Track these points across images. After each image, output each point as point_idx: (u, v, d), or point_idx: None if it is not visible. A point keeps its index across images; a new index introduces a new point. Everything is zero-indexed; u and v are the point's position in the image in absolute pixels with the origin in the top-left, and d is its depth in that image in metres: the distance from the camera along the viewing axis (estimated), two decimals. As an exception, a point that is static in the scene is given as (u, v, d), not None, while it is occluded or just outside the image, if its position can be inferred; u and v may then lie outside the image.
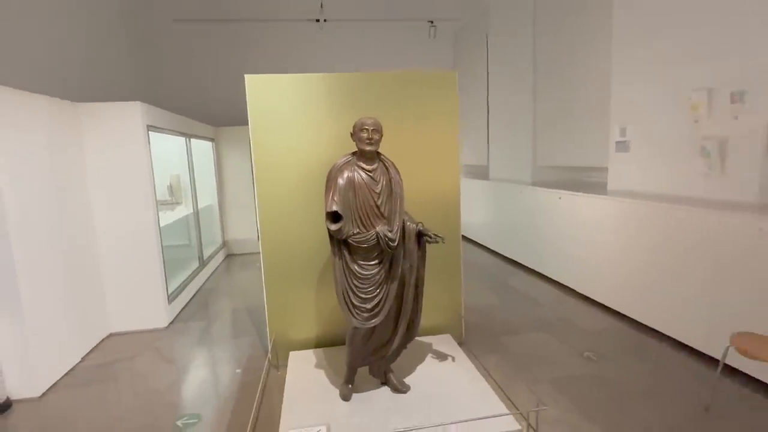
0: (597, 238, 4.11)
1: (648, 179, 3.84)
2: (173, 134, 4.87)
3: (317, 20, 6.85)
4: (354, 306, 2.39)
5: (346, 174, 2.35)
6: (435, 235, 2.43)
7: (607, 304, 4.04)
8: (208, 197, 6.67)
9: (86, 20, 5.06)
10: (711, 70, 3.23)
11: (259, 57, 7.47)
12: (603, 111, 4.50)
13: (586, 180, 5.27)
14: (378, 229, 2.34)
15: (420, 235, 2.48)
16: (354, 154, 2.44)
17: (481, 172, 7.75)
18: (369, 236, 2.34)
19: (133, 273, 3.96)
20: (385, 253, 2.38)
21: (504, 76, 6.60)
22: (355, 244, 2.36)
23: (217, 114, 7.22)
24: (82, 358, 3.51)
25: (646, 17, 3.80)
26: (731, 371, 2.81)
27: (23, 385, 2.93)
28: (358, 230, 2.35)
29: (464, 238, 7.92)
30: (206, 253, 5.98)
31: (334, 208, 2.29)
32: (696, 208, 3.08)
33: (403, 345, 2.61)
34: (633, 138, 4.01)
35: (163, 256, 4.13)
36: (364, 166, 2.39)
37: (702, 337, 3.05)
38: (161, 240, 4.11)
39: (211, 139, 6.71)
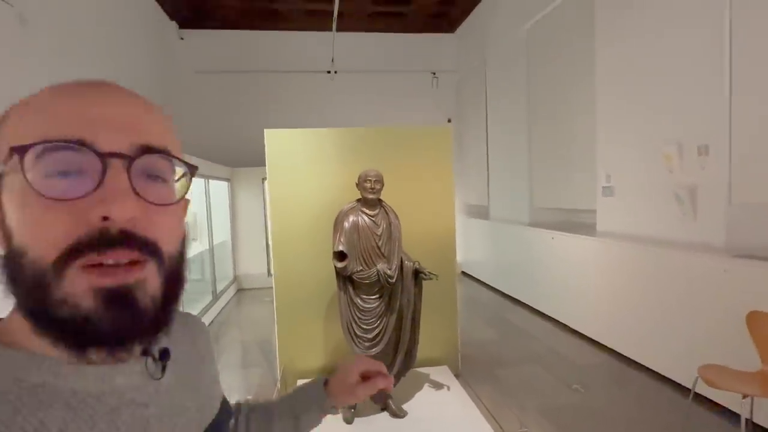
0: (586, 276, 4.39)
1: (631, 222, 4.15)
2: (196, 177, 5.29)
3: (328, 72, 7.43)
4: (357, 336, 2.68)
5: (351, 218, 2.70)
6: (429, 272, 2.74)
7: (595, 338, 4.26)
8: (221, 234, 7.05)
9: (118, 72, 5.62)
10: (680, 125, 3.59)
11: (274, 105, 8.03)
12: (591, 157, 4.86)
13: (578, 221, 5.58)
14: (378, 266, 2.66)
15: (416, 273, 2.79)
16: (359, 200, 2.80)
17: (481, 212, 8.09)
18: (371, 273, 2.66)
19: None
20: (384, 288, 2.70)
21: (501, 123, 7.06)
22: (358, 280, 2.68)
23: (233, 156, 7.69)
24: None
25: (624, 75, 4.22)
26: (702, 400, 3.02)
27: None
28: (361, 268, 2.68)
29: (465, 274, 8.17)
30: (218, 288, 6.29)
31: (340, 248, 2.62)
32: (671, 250, 3.38)
33: (401, 373, 2.87)
34: (617, 184, 4.35)
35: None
36: (367, 211, 2.74)
37: (677, 368, 3.28)
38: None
39: (227, 180, 7.16)
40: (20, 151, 0.39)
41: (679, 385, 3.28)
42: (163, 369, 0.50)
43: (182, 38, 7.91)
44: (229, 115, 7.95)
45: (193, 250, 6.06)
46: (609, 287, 4.05)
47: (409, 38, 8.49)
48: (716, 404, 2.96)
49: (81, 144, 0.40)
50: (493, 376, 3.68)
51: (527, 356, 4.09)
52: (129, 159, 0.42)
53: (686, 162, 3.55)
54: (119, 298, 0.41)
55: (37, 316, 0.41)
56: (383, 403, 2.89)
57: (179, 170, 0.48)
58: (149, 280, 0.43)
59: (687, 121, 3.53)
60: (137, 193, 0.42)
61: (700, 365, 2.64)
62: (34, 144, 0.39)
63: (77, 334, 0.40)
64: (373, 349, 2.67)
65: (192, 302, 5.47)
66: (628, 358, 3.82)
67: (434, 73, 7.53)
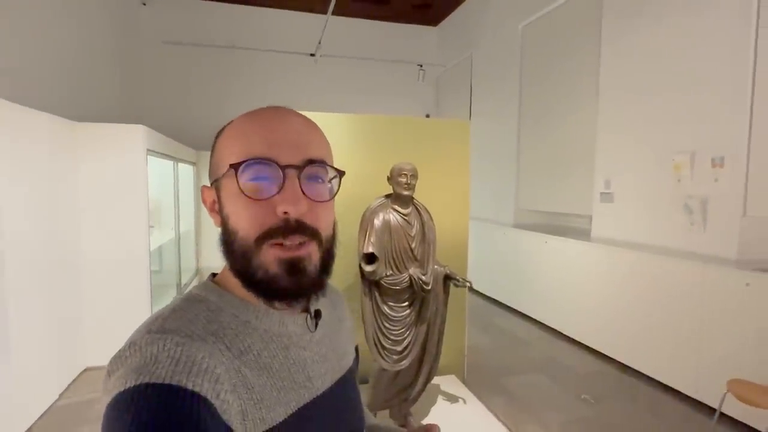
0: (584, 283, 4.33)
1: (632, 229, 4.13)
2: (166, 158, 4.72)
3: (312, 54, 6.97)
4: (384, 348, 2.39)
5: (381, 216, 2.39)
6: (463, 279, 2.50)
7: (593, 346, 4.20)
8: (185, 222, 6.43)
9: (76, 36, 4.89)
10: (693, 135, 3.58)
11: (247, 84, 7.47)
12: (587, 161, 4.82)
13: (567, 225, 5.56)
14: (411, 271, 2.38)
15: (446, 279, 2.54)
16: (388, 196, 2.50)
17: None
18: (402, 279, 2.37)
19: (117, 301, 3.72)
20: (416, 295, 2.42)
21: (487, 120, 6.93)
22: (387, 285, 2.38)
23: (198, 137, 7.05)
24: (59, 396, 3.23)
25: (632, 77, 4.16)
26: (722, 417, 2.99)
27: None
28: (391, 272, 2.38)
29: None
30: (183, 281, 5.72)
31: (370, 249, 2.31)
32: (686, 261, 3.34)
33: (421, 391, 2.61)
34: (617, 190, 4.32)
35: (152, 285, 3.93)
36: (399, 209, 2.44)
37: (692, 383, 3.24)
38: (150, 268, 3.92)
39: (193, 163, 6.54)
40: (236, 166, 0.59)
41: (691, 398, 3.24)
42: (316, 325, 0.69)
43: (144, 3, 7.13)
44: (198, 93, 7.28)
45: (154, 239, 5.44)
46: (611, 295, 3.99)
47: (391, 27, 8.20)
48: (741, 423, 2.88)
49: (269, 160, 0.59)
50: (500, 386, 3.52)
51: (527, 364, 3.97)
52: (299, 169, 0.60)
53: (698, 172, 3.54)
54: (294, 266, 0.60)
55: (243, 275, 0.61)
56: (403, 419, 2.62)
57: (331, 173, 0.65)
58: (312, 255, 0.62)
59: (701, 131, 3.51)
60: (305, 194, 0.60)
61: (729, 379, 2.59)
62: (244, 161, 0.58)
63: (268, 289, 0.60)
64: (402, 363, 2.39)
65: (155, 297, 4.89)
66: (630, 368, 3.78)
67: (421, 66, 7.26)
